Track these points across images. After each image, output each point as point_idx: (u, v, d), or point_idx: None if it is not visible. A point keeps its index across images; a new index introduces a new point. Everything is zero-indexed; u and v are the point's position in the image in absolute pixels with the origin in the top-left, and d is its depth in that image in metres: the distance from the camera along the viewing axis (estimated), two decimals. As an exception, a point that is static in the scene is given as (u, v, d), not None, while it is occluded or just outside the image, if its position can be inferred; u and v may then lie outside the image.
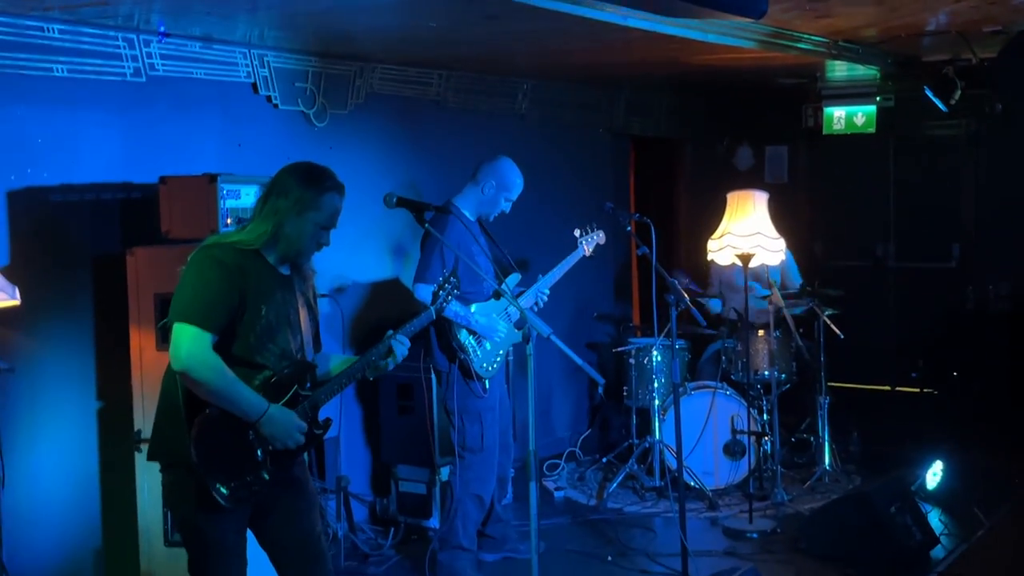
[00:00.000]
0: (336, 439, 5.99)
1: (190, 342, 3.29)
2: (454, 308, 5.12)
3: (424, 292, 5.18)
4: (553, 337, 3.71)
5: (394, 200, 3.82)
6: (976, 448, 7.33)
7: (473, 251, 5.29)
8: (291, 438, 3.46)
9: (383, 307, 6.49)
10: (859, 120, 8.60)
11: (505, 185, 5.48)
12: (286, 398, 3.48)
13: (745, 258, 6.38)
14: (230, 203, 4.77)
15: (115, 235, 5.10)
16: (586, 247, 5.85)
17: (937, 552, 5.65)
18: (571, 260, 5.79)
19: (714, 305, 7.42)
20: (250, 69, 5.71)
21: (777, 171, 9.88)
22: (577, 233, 5.87)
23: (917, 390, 9.10)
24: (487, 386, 5.42)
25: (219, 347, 3.35)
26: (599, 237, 5.90)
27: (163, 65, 5.27)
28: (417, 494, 6.23)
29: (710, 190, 8.32)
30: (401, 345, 3.69)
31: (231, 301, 3.36)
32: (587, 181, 8.38)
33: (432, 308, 3.81)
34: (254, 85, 5.76)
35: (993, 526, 6.04)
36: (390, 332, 3.70)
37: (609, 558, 5.81)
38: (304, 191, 3.44)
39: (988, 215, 9.17)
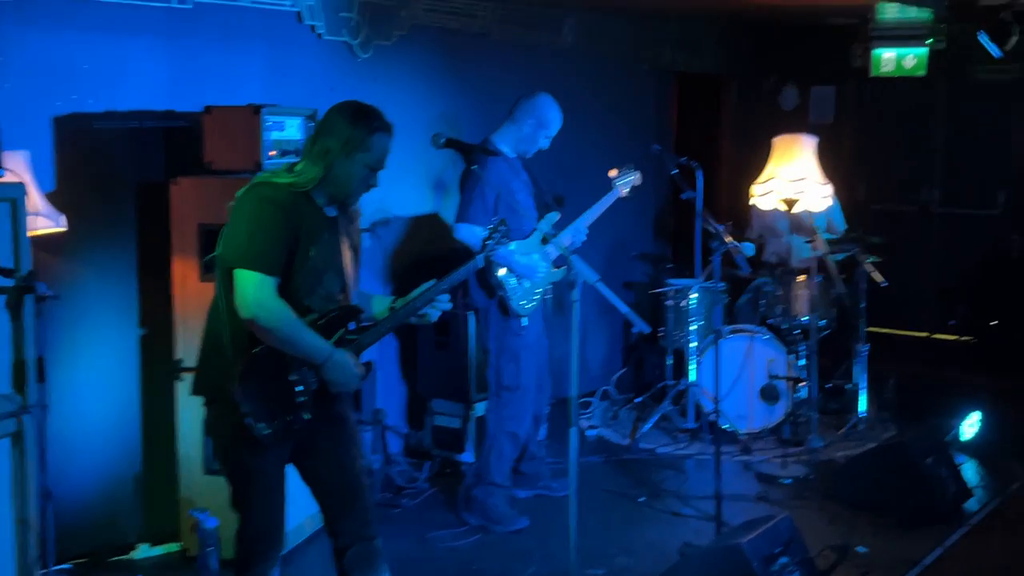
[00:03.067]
0: (372, 371, 6.01)
1: (256, 290, 3.26)
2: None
3: (464, 232, 5.14)
4: (599, 284, 3.67)
5: (442, 141, 3.78)
6: (1014, 399, 7.27)
7: (514, 188, 5.24)
8: (350, 384, 3.48)
9: (423, 241, 6.48)
10: (909, 62, 8.41)
11: (544, 122, 5.39)
12: (332, 341, 3.46)
13: (790, 203, 6.29)
14: (274, 135, 4.74)
15: (159, 163, 5.08)
16: (622, 188, 5.74)
17: (971, 504, 5.63)
18: (607, 201, 5.68)
19: (747, 249, 7.28)
20: (295, -3, 5.65)
21: (822, 112, 9.71)
22: (613, 174, 5.75)
23: (955, 337, 9.03)
24: (524, 323, 5.40)
25: None
26: (636, 178, 5.77)
27: (208, -9, 5.22)
28: (451, 428, 6.27)
29: (754, 129, 8.22)
30: (444, 301, 3.66)
31: (288, 242, 3.32)
32: (629, 118, 8.27)
33: (479, 256, 3.74)
34: (299, 14, 5.70)
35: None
36: (433, 281, 3.64)
37: (642, 499, 5.84)
38: (353, 131, 3.37)
39: (1036, 162, 9.02)
